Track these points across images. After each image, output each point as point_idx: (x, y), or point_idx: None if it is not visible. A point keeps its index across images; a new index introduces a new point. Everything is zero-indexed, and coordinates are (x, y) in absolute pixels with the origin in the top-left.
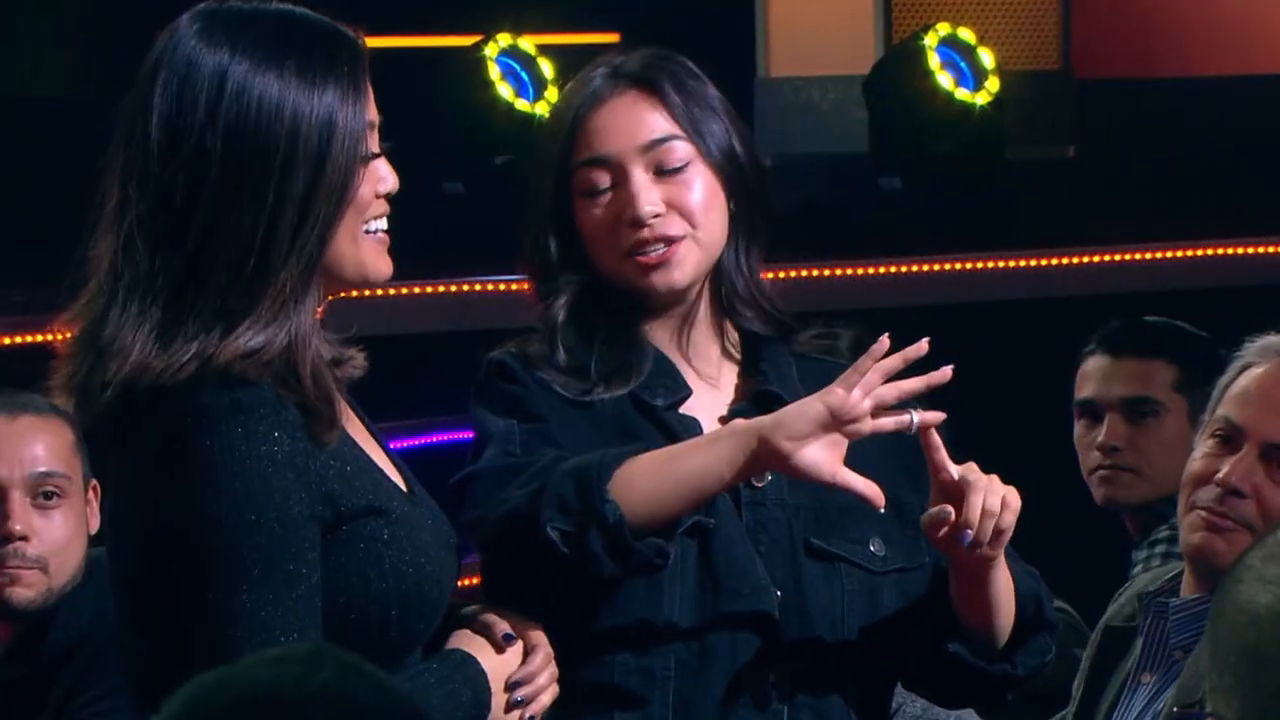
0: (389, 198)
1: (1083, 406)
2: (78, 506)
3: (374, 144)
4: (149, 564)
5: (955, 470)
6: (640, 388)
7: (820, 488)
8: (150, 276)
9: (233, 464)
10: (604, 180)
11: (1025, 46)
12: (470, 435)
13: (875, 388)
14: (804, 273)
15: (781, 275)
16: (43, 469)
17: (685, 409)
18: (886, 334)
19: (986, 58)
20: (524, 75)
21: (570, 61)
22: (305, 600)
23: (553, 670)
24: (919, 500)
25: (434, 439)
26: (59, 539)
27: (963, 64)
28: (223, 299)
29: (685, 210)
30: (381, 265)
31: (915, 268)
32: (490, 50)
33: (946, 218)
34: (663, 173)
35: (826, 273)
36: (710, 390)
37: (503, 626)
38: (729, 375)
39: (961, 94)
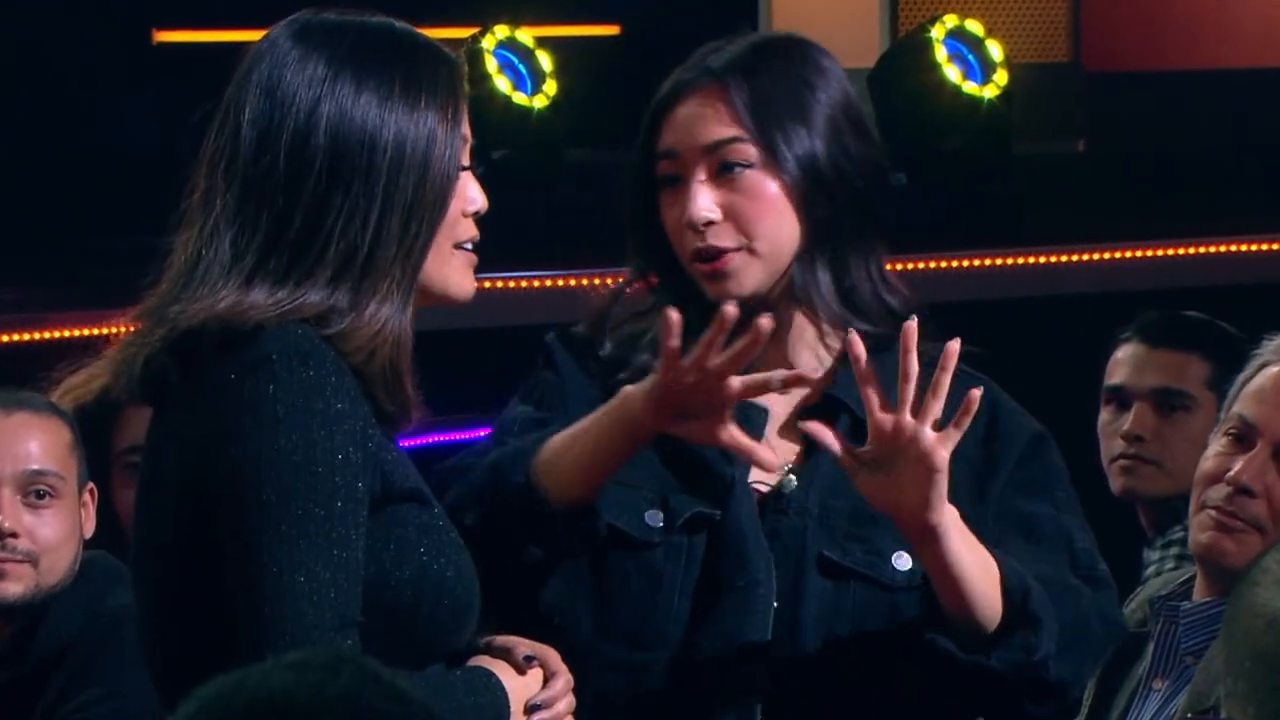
0: (476, 219)
1: (1111, 393)
2: (71, 508)
3: (465, 158)
4: (186, 526)
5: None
6: None
7: (858, 498)
8: (232, 262)
9: (293, 412)
10: (672, 173)
11: (1034, 39)
12: (470, 435)
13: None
14: None
15: None
16: (35, 467)
17: (759, 400)
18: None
19: (995, 50)
20: (522, 68)
21: (569, 54)
22: (352, 562)
23: (571, 699)
24: (974, 513)
25: (433, 439)
26: (50, 538)
27: (970, 57)
28: (329, 292)
29: (741, 220)
30: (466, 283)
31: (921, 264)
32: (488, 42)
33: (953, 213)
34: (722, 176)
35: None
36: (792, 390)
37: (523, 649)
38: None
39: (969, 87)
